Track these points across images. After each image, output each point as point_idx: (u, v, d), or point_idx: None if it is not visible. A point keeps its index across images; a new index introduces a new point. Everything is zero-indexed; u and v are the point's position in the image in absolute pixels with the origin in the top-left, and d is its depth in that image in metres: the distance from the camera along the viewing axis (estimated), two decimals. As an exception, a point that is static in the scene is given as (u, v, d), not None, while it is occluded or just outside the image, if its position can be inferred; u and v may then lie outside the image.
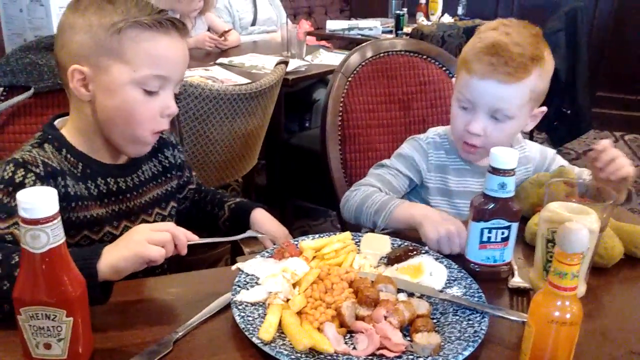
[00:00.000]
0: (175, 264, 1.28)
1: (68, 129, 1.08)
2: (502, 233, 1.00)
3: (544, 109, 1.26)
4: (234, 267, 0.98)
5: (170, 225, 0.91)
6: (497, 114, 1.19)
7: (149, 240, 0.87)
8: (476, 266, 1.02)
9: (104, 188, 1.09)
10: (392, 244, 1.08)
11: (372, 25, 3.99)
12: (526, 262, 1.09)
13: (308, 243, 1.03)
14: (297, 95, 3.18)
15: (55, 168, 1.01)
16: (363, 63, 1.68)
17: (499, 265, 1.03)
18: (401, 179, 1.34)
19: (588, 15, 4.32)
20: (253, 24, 3.70)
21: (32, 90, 1.37)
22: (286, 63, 2.22)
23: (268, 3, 3.84)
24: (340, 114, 1.66)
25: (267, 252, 1.03)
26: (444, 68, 1.73)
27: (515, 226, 1.01)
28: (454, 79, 1.32)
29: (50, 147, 1.04)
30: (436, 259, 1.03)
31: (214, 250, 2.05)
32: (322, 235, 1.08)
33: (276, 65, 2.19)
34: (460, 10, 4.60)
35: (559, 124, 4.03)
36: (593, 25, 4.60)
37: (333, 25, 4.14)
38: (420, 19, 4.39)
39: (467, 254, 1.03)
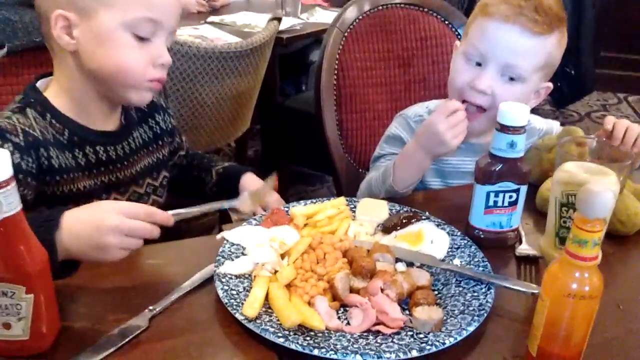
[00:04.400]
0: (164, 231, 1.20)
1: (52, 90, 0.99)
2: (510, 197, 0.92)
3: (550, 85, 1.15)
4: (218, 236, 0.90)
5: (142, 207, 0.80)
6: (509, 71, 1.06)
7: (118, 241, 0.76)
8: (480, 232, 0.95)
9: (93, 157, 1.00)
10: (390, 209, 1.00)
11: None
12: (535, 228, 1.02)
13: (299, 209, 0.95)
14: (292, 56, 3.06)
15: (37, 138, 0.92)
16: (360, 17, 1.57)
17: (505, 232, 0.95)
18: None
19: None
20: (246, -19, 3.54)
21: (5, 49, 1.27)
22: (279, 19, 2.10)
23: (262, -40, 3.67)
24: (336, 72, 1.55)
25: (255, 219, 0.95)
26: (446, 22, 1.62)
27: (524, 189, 0.93)
28: (457, 42, 1.20)
29: (33, 112, 0.95)
30: (437, 226, 0.95)
31: (204, 218, 1.97)
32: (315, 200, 1.00)
33: (268, 22, 2.07)
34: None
35: (562, 85, 3.92)
36: (599, -17, 4.43)
37: (329, -18, 3.97)
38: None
39: (471, 220, 0.95)
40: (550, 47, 1.06)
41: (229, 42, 2.01)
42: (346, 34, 1.55)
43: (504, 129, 0.88)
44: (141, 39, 0.93)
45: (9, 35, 1.38)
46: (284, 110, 2.72)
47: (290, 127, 2.74)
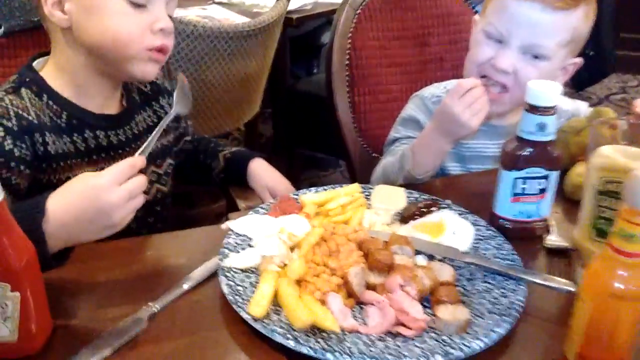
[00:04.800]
0: (173, 218, 1.14)
1: (49, 69, 0.92)
2: (539, 183, 0.85)
3: (580, 60, 1.06)
4: (223, 226, 0.84)
5: (124, 166, 0.73)
6: (532, 49, 0.98)
7: (124, 212, 0.71)
8: (506, 222, 0.88)
9: (93, 142, 0.93)
10: (408, 197, 0.93)
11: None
12: (564, 217, 0.94)
13: (310, 197, 0.89)
14: (303, 38, 2.98)
15: (31, 122, 0.86)
16: (373, -6, 1.48)
17: (533, 222, 0.88)
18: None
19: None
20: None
21: (1, 29, 1.21)
22: (288, -2, 2.02)
23: (271, -61, 3.57)
24: (348, 52, 1.48)
25: (263, 207, 0.89)
26: (464, -1, 1.53)
27: (554, 175, 0.85)
28: (476, 16, 1.12)
29: (28, 92, 0.89)
30: (459, 215, 0.88)
31: (215, 203, 1.92)
32: (327, 187, 0.93)
33: (277, 0, 1.99)
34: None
35: (581, 67, 3.81)
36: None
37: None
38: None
39: (496, 208, 0.88)
40: (576, 21, 0.98)
41: (237, 22, 1.93)
42: (358, 12, 1.47)
43: (533, 109, 0.80)
44: (136, 5, 0.85)
45: (5, 15, 1.32)
46: (295, 93, 2.65)
47: (302, 110, 2.67)
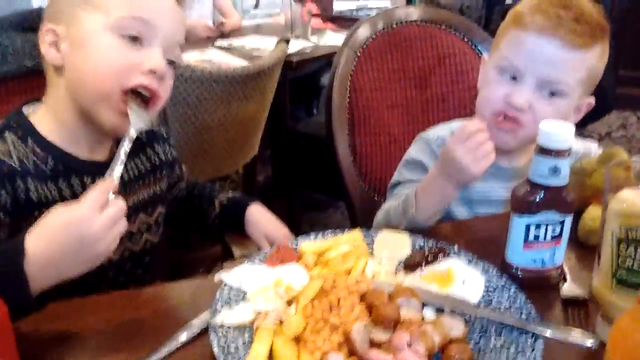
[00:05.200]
0: (168, 262, 1.09)
1: (40, 114, 0.89)
2: (553, 229, 0.79)
3: (592, 100, 1.03)
4: (216, 278, 0.78)
5: (99, 192, 0.69)
6: (548, 86, 0.95)
7: (109, 240, 0.69)
8: (519, 271, 0.82)
9: (79, 189, 0.88)
10: (413, 243, 0.87)
11: (382, 5, 3.76)
12: (579, 264, 0.89)
13: (308, 245, 0.84)
14: (303, 80, 2.99)
15: (12, 167, 0.82)
16: (373, 36, 1.47)
17: (548, 270, 0.82)
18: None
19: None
20: (256, 6, 3.50)
21: None
22: (287, 41, 2.02)
23: (271, -15, 3.63)
24: (348, 94, 1.45)
25: (259, 256, 0.83)
26: (465, 39, 1.52)
27: (569, 221, 0.80)
28: (485, 56, 1.09)
29: (13, 136, 0.85)
30: (469, 262, 0.82)
31: (211, 247, 1.86)
32: (327, 233, 0.88)
33: (276, 44, 1.98)
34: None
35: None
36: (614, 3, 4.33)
37: (340, 5, 3.92)
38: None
39: (508, 256, 0.83)
40: (592, 60, 0.95)
41: (235, 65, 1.92)
42: (359, 53, 1.45)
43: (545, 152, 0.76)
44: (129, 39, 0.82)
45: (-2, 61, 1.31)
46: (295, 134, 2.63)
47: (302, 152, 2.65)
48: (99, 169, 0.90)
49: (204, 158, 1.82)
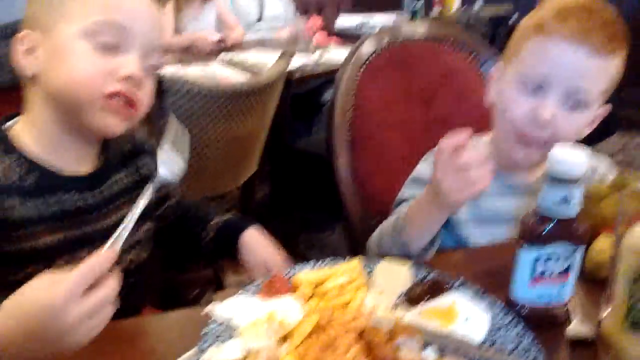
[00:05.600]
0: (158, 284, 1.04)
1: (20, 127, 0.86)
2: (562, 264, 0.75)
3: (606, 108, 0.99)
4: (206, 310, 0.74)
5: (85, 270, 0.61)
6: (575, 96, 0.91)
7: (85, 331, 0.60)
8: (525, 308, 0.77)
9: (64, 205, 0.85)
10: (415, 275, 0.83)
11: (386, 21, 3.74)
12: (587, 300, 0.84)
13: (305, 275, 0.79)
14: (305, 96, 2.95)
15: None
16: (377, 52, 1.43)
17: (555, 307, 0.78)
18: None
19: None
20: (259, 20, 3.48)
21: None
22: (291, 55, 1.99)
23: (276, -2, 3.62)
24: (350, 112, 1.41)
25: (252, 287, 0.79)
26: (471, 56, 1.48)
27: (579, 254, 0.76)
28: (494, 70, 1.04)
29: None
30: (473, 297, 0.78)
31: (206, 268, 1.82)
32: (324, 262, 0.84)
33: (278, 58, 1.95)
34: (479, 3, 4.32)
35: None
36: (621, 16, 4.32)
37: (344, 21, 3.89)
38: (437, 14, 4.12)
39: (513, 291, 0.78)
40: (615, 68, 0.93)
41: (236, 80, 1.89)
42: (362, 70, 1.42)
43: (555, 180, 0.71)
44: (105, 48, 0.79)
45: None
46: (295, 152, 2.60)
47: (302, 169, 2.61)
48: (83, 183, 0.88)
49: (201, 175, 1.78)
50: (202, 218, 1.07)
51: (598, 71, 0.91)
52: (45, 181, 0.83)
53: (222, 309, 0.73)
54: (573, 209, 0.72)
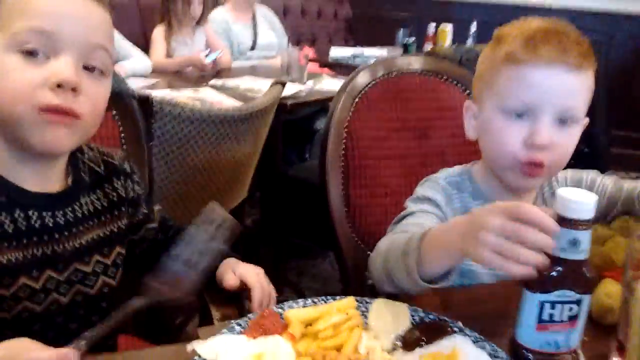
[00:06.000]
0: (143, 311, 0.97)
1: None
2: (570, 309, 0.71)
3: (587, 120, 0.97)
4: (188, 348, 0.69)
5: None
6: (567, 113, 0.90)
7: None
8: (531, 354, 0.73)
9: (23, 224, 0.80)
10: (412, 316, 0.78)
11: (378, 54, 3.76)
12: (595, 347, 0.80)
13: (296, 313, 0.74)
14: (297, 124, 2.94)
15: None
16: (372, 83, 1.42)
17: (562, 354, 0.73)
18: (433, 218, 0.97)
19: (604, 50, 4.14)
20: (252, 48, 3.48)
21: None
22: (283, 84, 1.97)
23: (269, 28, 3.64)
24: (344, 142, 1.38)
25: (240, 323, 0.74)
26: (467, 92, 1.47)
27: (587, 300, 0.72)
28: (468, 103, 1.03)
29: None
30: (475, 342, 0.73)
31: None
32: (316, 300, 0.79)
33: (271, 86, 1.93)
34: (470, 42, 4.38)
35: (577, 164, 3.78)
36: (608, 61, 4.39)
37: (337, 52, 3.92)
38: (429, 50, 4.16)
39: (518, 336, 0.74)
40: (591, 80, 0.92)
41: (228, 105, 1.86)
42: (356, 100, 1.40)
43: (564, 222, 0.68)
44: (28, 54, 0.73)
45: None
46: (286, 179, 2.56)
47: (292, 197, 2.57)
48: (47, 202, 0.83)
49: (189, 201, 1.73)
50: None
51: (580, 86, 0.90)
52: (5, 197, 0.79)
53: (206, 348, 0.68)
54: (582, 253, 0.69)
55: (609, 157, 3.85)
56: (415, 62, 1.47)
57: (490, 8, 4.71)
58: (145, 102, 1.48)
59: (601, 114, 3.76)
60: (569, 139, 0.92)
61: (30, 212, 0.81)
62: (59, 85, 0.73)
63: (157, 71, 2.81)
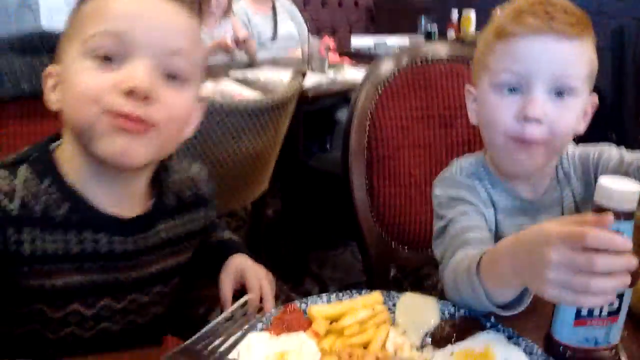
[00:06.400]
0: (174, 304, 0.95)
1: (63, 149, 0.77)
2: (611, 304, 0.67)
3: (596, 97, 0.92)
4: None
5: None
6: (561, 83, 0.84)
7: None
8: (569, 350, 0.69)
9: (90, 247, 0.75)
10: (442, 311, 0.75)
11: (401, 42, 3.70)
12: (634, 340, 0.76)
13: (320, 309, 0.72)
14: (317, 114, 2.91)
15: (6, 212, 0.70)
16: (396, 72, 1.37)
17: (601, 350, 0.70)
18: (475, 215, 0.91)
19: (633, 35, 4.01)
20: (273, 39, 3.46)
21: None
22: (304, 74, 1.93)
23: (289, 18, 3.60)
24: (367, 132, 1.35)
25: (262, 321, 0.72)
26: (494, 78, 1.42)
27: (629, 293, 0.68)
28: (468, 86, 0.98)
29: (29, 171, 0.74)
30: (509, 338, 0.70)
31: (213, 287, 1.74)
32: (341, 294, 0.77)
33: (292, 77, 1.90)
34: (494, 28, 4.29)
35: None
36: (637, 46, 4.26)
37: (358, 41, 3.87)
38: (452, 37, 4.08)
39: (555, 332, 0.70)
40: (589, 51, 0.87)
41: (249, 97, 1.84)
42: (380, 90, 1.36)
43: (603, 212, 0.64)
44: (106, 61, 0.68)
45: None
46: (307, 169, 2.54)
47: (313, 188, 2.55)
48: (122, 227, 0.77)
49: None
50: (209, 226, 0.97)
51: (571, 55, 0.85)
52: (78, 215, 0.74)
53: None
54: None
55: (637, 144, 3.75)
56: (441, 49, 1.42)
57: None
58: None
59: (630, 100, 3.66)
60: (567, 112, 0.85)
61: (100, 236, 0.75)
62: (130, 92, 0.67)
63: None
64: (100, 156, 0.70)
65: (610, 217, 0.60)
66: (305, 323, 0.70)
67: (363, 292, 0.77)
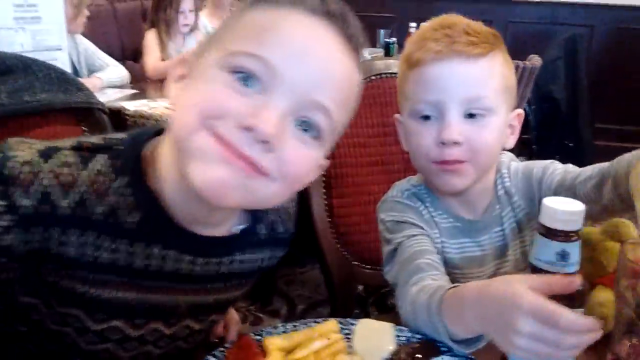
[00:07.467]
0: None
1: (158, 149, 0.66)
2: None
3: (521, 111, 0.95)
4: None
5: None
6: (473, 105, 0.86)
7: None
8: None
9: (157, 264, 0.66)
10: (398, 336, 0.75)
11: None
12: (589, 357, 0.77)
13: (274, 341, 0.70)
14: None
15: (56, 207, 0.60)
16: (351, 88, 1.38)
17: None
18: (424, 238, 0.91)
19: (585, 42, 4.15)
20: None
21: None
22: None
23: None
24: (324, 150, 1.35)
25: (216, 355, 0.70)
26: (448, 93, 1.44)
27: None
28: (396, 116, 0.99)
29: (106, 163, 0.63)
30: (464, 362, 0.70)
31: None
32: (297, 323, 0.75)
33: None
34: (452, 40, 4.37)
35: (561, 158, 3.78)
36: (590, 53, 4.41)
37: (318, 55, 3.87)
38: (411, 48, 4.14)
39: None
40: (499, 66, 0.89)
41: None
42: (335, 108, 1.36)
43: (551, 234, 0.64)
44: (244, 79, 0.60)
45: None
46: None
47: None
48: (196, 248, 0.69)
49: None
50: None
51: (480, 75, 0.87)
52: (150, 227, 0.64)
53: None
54: (572, 266, 0.65)
55: (594, 150, 3.85)
56: (394, 65, 1.44)
57: (471, 3, 4.72)
58: (117, 115, 1.43)
59: (584, 107, 3.77)
60: (484, 131, 0.87)
61: (169, 252, 0.66)
62: (250, 129, 0.58)
63: (154, 77, 2.82)
64: (190, 179, 0.59)
65: (577, 280, 0.63)
66: (260, 356, 0.69)
67: (320, 320, 0.76)
